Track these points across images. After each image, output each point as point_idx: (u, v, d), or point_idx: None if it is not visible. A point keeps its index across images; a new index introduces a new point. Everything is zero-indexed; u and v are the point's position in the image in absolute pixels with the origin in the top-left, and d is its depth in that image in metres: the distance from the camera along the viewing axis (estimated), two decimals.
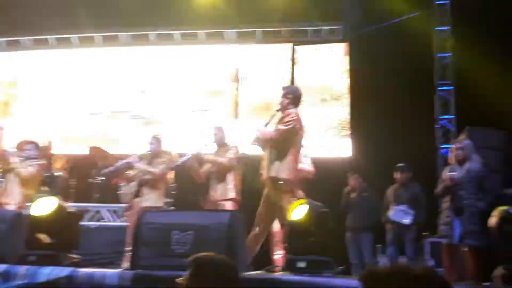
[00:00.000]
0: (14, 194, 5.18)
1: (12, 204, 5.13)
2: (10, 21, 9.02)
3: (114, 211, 7.07)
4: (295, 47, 8.62)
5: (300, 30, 8.69)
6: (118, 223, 6.85)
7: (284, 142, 4.13)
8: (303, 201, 3.30)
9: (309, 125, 7.93)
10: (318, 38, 8.65)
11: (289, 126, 4.11)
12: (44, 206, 3.23)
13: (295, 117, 4.16)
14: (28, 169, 5.27)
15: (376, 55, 7.65)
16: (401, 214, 5.59)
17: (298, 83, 8.37)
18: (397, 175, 5.82)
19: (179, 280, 1.87)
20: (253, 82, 8.66)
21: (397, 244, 5.72)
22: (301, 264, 3.05)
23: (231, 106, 8.62)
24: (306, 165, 5.06)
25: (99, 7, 8.69)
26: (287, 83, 8.27)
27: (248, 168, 5.23)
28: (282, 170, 4.05)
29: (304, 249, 3.12)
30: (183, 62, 9.03)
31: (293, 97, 4.32)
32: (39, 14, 8.82)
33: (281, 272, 3.41)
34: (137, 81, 9.06)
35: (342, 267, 3.26)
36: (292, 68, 8.55)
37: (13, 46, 9.61)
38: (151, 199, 5.15)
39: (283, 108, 4.31)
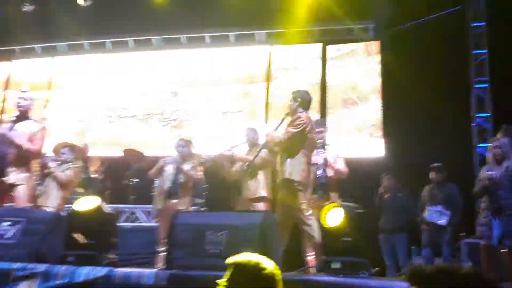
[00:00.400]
0: (52, 197, 5.31)
1: (50, 207, 5.26)
2: (47, 28, 9.32)
3: (149, 212, 7.18)
4: (326, 46, 8.56)
5: (331, 29, 8.62)
6: (153, 223, 6.94)
7: (294, 144, 4.19)
8: (336, 204, 3.27)
9: (340, 125, 7.93)
10: (349, 37, 8.56)
11: (298, 129, 4.18)
12: (86, 203, 3.32)
13: (304, 120, 4.22)
14: (66, 172, 5.40)
15: (409, 53, 7.51)
16: (436, 215, 5.48)
17: (328, 83, 8.33)
18: (432, 175, 5.72)
19: (219, 280, 1.89)
20: (283, 83, 8.65)
21: (433, 246, 5.61)
22: (336, 265, 3.03)
23: (261, 107, 8.63)
24: (339, 165, 5.02)
25: (131, 11, 8.86)
26: (317, 83, 8.25)
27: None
28: (294, 172, 4.11)
29: (338, 250, 3.11)
30: (213, 65, 9.11)
31: (302, 100, 4.41)
32: (74, 21, 9.09)
33: (316, 273, 3.40)
34: (169, 84, 9.19)
35: (377, 268, 3.21)
36: (323, 68, 8.50)
37: (50, 51, 9.91)
38: (187, 201, 5.25)
39: (292, 112, 4.38)
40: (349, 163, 5.27)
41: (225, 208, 5.29)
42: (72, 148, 5.75)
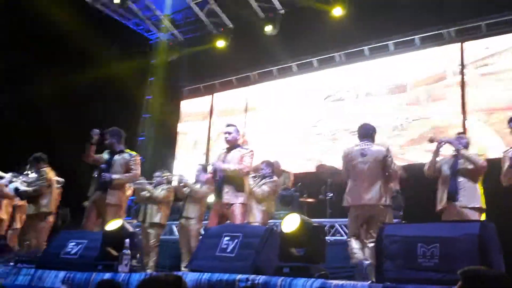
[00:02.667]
0: (254, 212, 5.64)
1: (256, 222, 5.60)
2: (240, 61, 10.25)
3: (346, 226, 7.18)
4: None
5: None
6: None
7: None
8: None
9: None
10: None
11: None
12: (290, 223, 3.50)
13: None
14: (262, 188, 5.68)
15: None
16: None
17: None
18: None
19: None
20: (480, 80, 7.93)
21: None
22: None
23: (454, 112, 8.03)
24: None
25: (312, 33, 9.18)
26: None
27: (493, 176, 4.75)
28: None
29: None
30: (396, 72, 8.84)
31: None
32: (263, 51, 9.83)
33: None
34: (351, 98, 9.21)
35: None
36: None
37: (244, 81, 10.86)
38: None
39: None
40: None
41: (427, 219, 5.00)
42: (269, 163, 6.05)
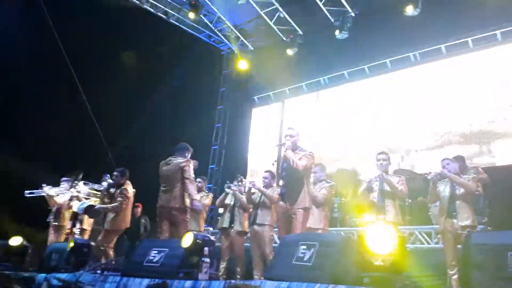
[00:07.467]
0: (314, 218, 5.46)
1: (317, 228, 5.44)
2: (310, 66, 10.26)
3: (427, 233, 6.87)
4: None
5: None
6: (433, 245, 6.62)
7: None
8: None
9: None
10: None
11: None
12: (374, 231, 3.39)
13: None
14: (322, 191, 5.52)
15: None
16: None
17: None
18: None
19: None
20: None
21: None
22: None
23: None
24: None
25: (385, 34, 8.95)
26: None
27: None
28: None
29: None
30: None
31: None
32: (333, 54, 9.74)
33: None
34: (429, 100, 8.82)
35: None
36: None
37: (314, 87, 10.86)
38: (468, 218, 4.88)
39: None
40: None
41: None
42: (322, 167, 5.83)
